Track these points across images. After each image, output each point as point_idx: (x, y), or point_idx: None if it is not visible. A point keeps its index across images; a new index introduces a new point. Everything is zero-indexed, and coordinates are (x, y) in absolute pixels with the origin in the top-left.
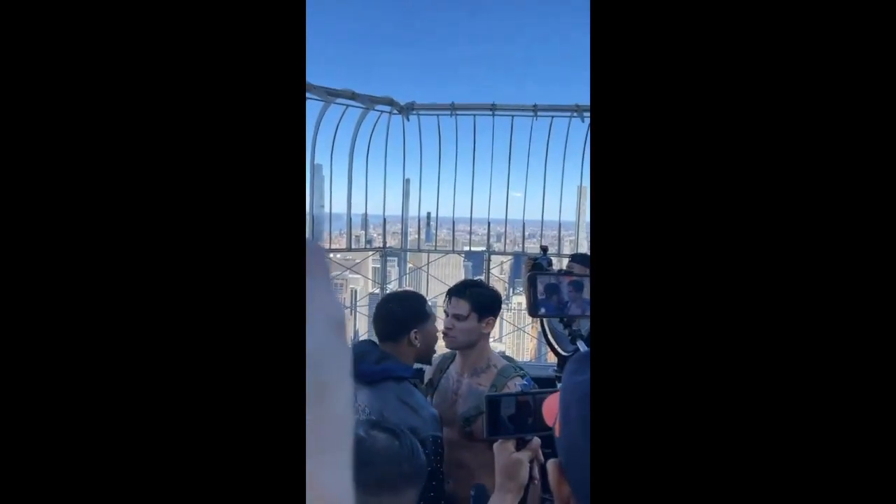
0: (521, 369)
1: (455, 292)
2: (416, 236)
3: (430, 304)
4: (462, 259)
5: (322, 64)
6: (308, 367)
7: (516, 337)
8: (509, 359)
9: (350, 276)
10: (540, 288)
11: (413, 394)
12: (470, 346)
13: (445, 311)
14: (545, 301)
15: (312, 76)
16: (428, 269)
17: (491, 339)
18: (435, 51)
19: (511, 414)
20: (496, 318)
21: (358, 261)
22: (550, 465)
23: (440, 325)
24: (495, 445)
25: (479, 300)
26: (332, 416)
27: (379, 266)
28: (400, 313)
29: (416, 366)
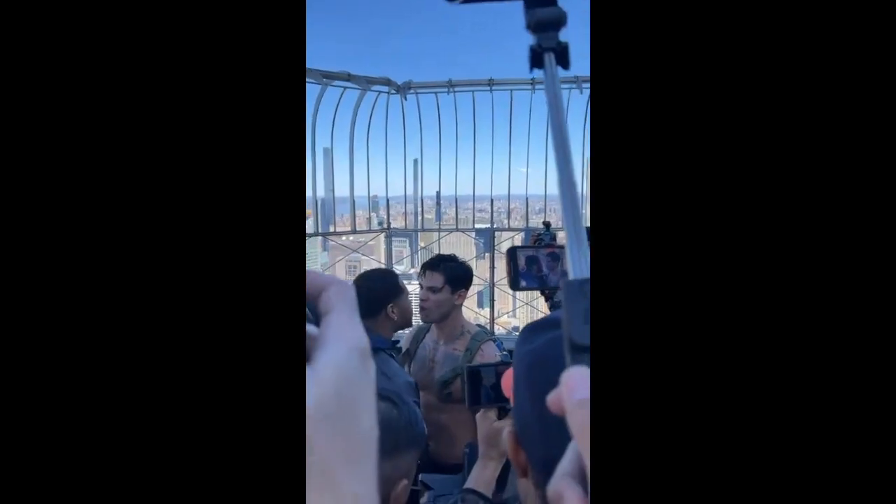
0: (492, 334)
1: (429, 266)
2: (424, 217)
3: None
4: (473, 236)
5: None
6: (337, 389)
7: (528, 311)
8: (481, 326)
9: (362, 257)
10: (520, 261)
11: (389, 363)
12: (444, 317)
13: (420, 284)
14: (526, 274)
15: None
16: (439, 246)
17: (504, 315)
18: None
19: (492, 384)
20: (467, 290)
21: (370, 242)
22: (506, 434)
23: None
24: (477, 416)
25: (452, 273)
26: (360, 432)
27: (387, 247)
28: (375, 290)
29: (394, 338)
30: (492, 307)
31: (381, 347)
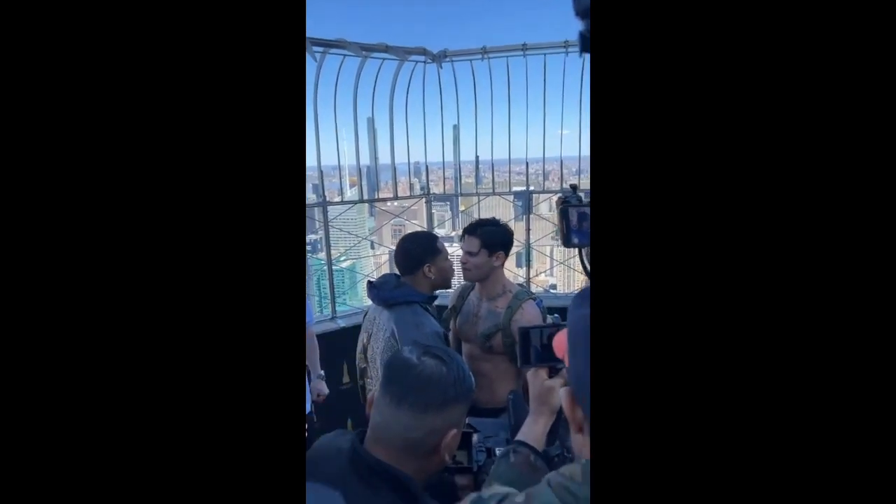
0: (532, 294)
1: (467, 230)
2: (463, 181)
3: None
4: (512, 199)
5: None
6: None
7: (565, 270)
8: (521, 285)
9: (406, 222)
10: (572, 219)
11: (420, 314)
12: (484, 277)
13: (461, 248)
14: (577, 231)
15: (343, 33)
16: (479, 210)
17: (541, 274)
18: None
19: (543, 344)
20: (507, 253)
21: (412, 207)
22: (563, 392)
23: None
24: (529, 374)
25: (488, 237)
26: None
27: (434, 212)
28: (413, 250)
29: (435, 293)
30: (528, 266)
31: (416, 300)
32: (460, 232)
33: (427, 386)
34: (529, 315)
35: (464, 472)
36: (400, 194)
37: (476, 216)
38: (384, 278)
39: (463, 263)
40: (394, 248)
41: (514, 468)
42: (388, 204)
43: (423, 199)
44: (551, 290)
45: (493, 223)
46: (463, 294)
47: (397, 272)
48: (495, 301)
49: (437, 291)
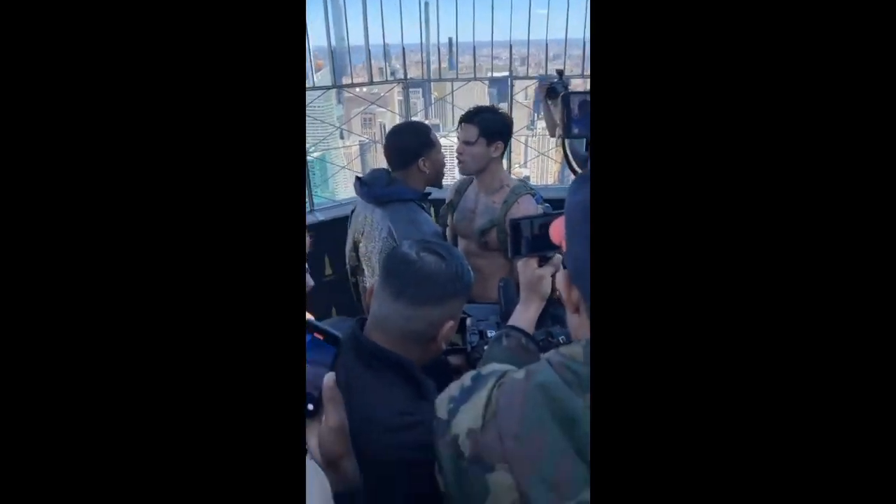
0: (531, 187)
1: (465, 118)
2: (440, 65)
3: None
4: (486, 86)
5: None
6: None
7: (540, 161)
8: (522, 179)
9: (377, 110)
10: (574, 108)
11: (417, 212)
12: (481, 170)
13: (458, 137)
14: (578, 120)
15: None
16: (453, 98)
17: (516, 165)
18: None
19: (534, 234)
20: (505, 143)
21: (383, 94)
22: (560, 275)
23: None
24: (519, 263)
25: (486, 125)
26: None
27: (404, 98)
28: (407, 143)
29: (427, 190)
30: (508, 158)
31: (411, 198)
32: (435, 121)
33: (426, 281)
34: (525, 209)
35: (458, 352)
36: (367, 80)
37: (451, 105)
38: (374, 174)
39: (459, 154)
40: (365, 138)
41: (507, 351)
42: (359, 90)
43: (397, 86)
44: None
45: (491, 110)
46: (460, 189)
47: (387, 167)
48: (492, 195)
49: (428, 189)
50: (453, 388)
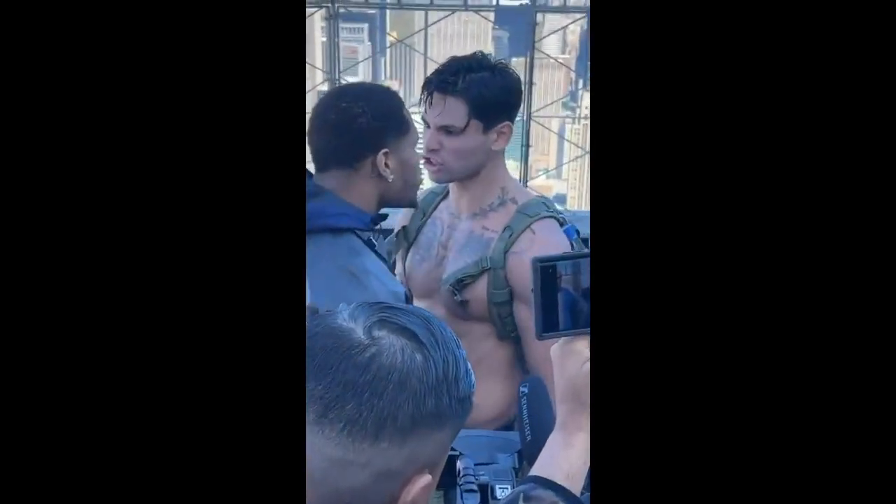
0: (555, 209)
1: (439, 86)
2: None
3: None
4: (489, 23)
5: None
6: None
7: (583, 167)
8: (538, 193)
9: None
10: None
11: (360, 252)
12: (471, 173)
13: (424, 120)
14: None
15: None
16: (426, 41)
17: (540, 173)
18: None
19: (581, 288)
20: (514, 121)
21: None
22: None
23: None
24: (554, 348)
25: (481, 95)
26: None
27: (341, 42)
28: (358, 120)
29: (383, 211)
30: (524, 159)
31: (354, 227)
32: (395, 84)
33: (383, 389)
34: (546, 243)
35: None
36: None
37: (423, 55)
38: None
39: (432, 151)
40: None
41: None
42: None
43: (318, 11)
44: (562, 205)
45: (489, 66)
46: (424, 207)
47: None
48: (485, 218)
49: (385, 210)
50: None
